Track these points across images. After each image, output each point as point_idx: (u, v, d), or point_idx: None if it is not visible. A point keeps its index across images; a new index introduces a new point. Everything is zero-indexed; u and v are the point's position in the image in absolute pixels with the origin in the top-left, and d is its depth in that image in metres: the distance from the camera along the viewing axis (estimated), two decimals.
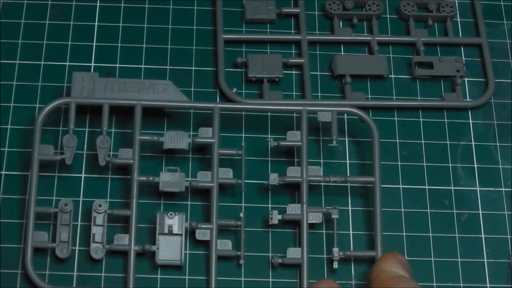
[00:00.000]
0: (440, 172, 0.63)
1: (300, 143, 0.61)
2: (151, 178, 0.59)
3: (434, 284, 0.60)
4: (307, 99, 0.65)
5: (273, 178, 0.60)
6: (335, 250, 0.59)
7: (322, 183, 0.61)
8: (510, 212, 0.62)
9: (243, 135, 0.63)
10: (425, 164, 0.63)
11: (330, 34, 0.68)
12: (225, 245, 0.58)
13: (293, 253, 0.58)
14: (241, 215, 0.59)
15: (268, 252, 0.59)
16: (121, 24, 0.67)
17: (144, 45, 0.66)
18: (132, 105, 0.61)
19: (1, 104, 0.63)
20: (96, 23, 0.67)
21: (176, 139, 0.60)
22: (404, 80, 0.67)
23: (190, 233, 0.59)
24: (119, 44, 0.66)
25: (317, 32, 0.68)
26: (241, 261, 0.58)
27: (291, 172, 0.60)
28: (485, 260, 0.61)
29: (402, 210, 0.62)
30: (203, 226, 0.58)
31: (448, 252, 0.61)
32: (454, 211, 0.62)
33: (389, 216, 0.61)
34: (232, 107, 0.63)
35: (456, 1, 0.70)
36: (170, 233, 0.58)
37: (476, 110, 0.66)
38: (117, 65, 0.65)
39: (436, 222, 0.62)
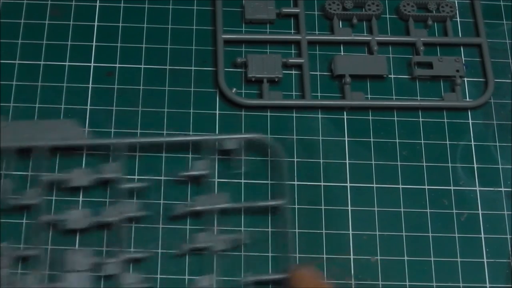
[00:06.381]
0: (440, 172, 0.63)
1: (206, 172, 0.60)
2: (56, 218, 0.59)
3: (434, 284, 0.60)
4: (306, 99, 0.65)
5: (181, 207, 0.59)
6: (245, 275, 0.58)
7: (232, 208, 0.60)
8: (510, 212, 0.62)
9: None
10: (424, 164, 0.63)
11: (329, 34, 0.68)
12: (134, 279, 0.57)
13: (202, 281, 0.58)
14: (151, 247, 0.58)
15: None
16: (120, 24, 0.67)
17: (144, 45, 0.66)
18: (32, 146, 0.60)
19: (1, 104, 0.63)
20: (96, 23, 0.67)
21: (81, 176, 0.60)
22: (403, 80, 0.67)
23: (98, 268, 0.58)
24: (118, 44, 0.66)
25: (316, 32, 0.68)
26: None
27: (200, 200, 0.60)
28: (485, 260, 0.61)
29: (402, 210, 0.62)
30: (109, 260, 0.58)
31: (448, 252, 0.61)
32: (454, 211, 0.62)
33: (389, 216, 0.61)
34: (132, 142, 0.61)
35: (456, 1, 0.70)
36: (77, 270, 0.57)
37: (475, 110, 0.66)
38: (117, 65, 0.65)
39: (436, 222, 0.62)
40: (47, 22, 0.67)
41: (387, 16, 0.69)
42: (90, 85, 0.64)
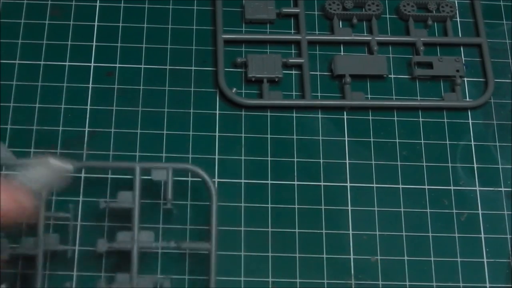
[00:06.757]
0: (440, 172, 0.63)
1: (132, 206, 0.56)
2: None
3: (434, 284, 0.60)
4: (306, 99, 0.65)
5: (102, 245, 0.56)
6: None
7: (155, 250, 0.58)
8: (509, 212, 0.62)
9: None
10: (424, 164, 0.63)
11: (329, 34, 0.68)
12: None
13: None
14: (67, 284, 0.56)
15: None
16: (120, 24, 0.67)
17: (144, 45, 0.66)
18: None
19: (1, 104, 0.63)
20: (96, 23, 0.67)
21: None
22: (403, 80, 0.67)
23: None
24: (119, 44, 0.66)
25: (316, 32, 0.68)
26: None
27: (122, 238, 0.56)
28: (485, 260, 0.61)
29: (402, 210, 0.62)
30: None
31: (448, 252, 0.61)
32: (454, 211, 0.62)
33: (389, 216, 0.61)
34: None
35: (456, 1, 0.70)
36: None
37: (475, 110, 0.66)
38: (117, 65, 0.65)
39: (436, 222, 0.62)
40: (47, 22, 0.67)
41: (387, 16, 0.69)
42: (90, 85, 0.64)
